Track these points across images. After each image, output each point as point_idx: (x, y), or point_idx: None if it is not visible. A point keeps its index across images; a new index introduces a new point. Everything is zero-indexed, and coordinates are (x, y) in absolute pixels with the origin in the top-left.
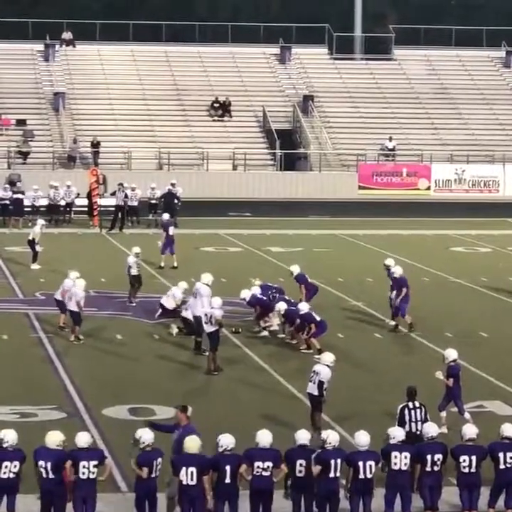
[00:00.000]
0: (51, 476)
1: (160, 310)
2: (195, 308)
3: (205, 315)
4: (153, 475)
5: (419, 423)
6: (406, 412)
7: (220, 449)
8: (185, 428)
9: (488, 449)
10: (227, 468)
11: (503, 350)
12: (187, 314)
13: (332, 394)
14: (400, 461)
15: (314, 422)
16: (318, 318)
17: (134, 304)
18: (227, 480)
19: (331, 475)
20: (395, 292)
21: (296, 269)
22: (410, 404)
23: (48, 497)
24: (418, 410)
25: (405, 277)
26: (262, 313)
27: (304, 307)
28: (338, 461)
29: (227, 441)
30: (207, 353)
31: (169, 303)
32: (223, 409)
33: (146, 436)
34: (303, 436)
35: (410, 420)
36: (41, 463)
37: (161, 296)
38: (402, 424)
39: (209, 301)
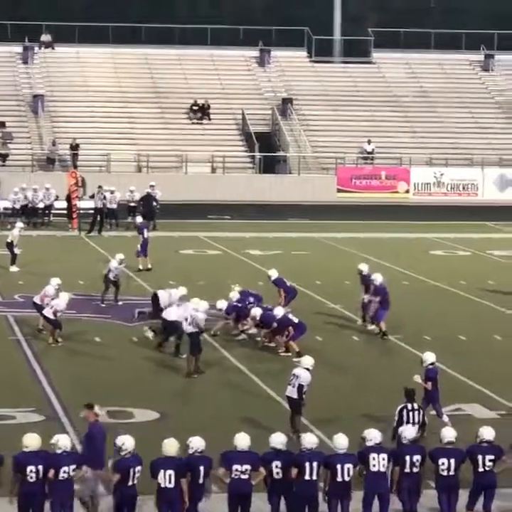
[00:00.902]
0: (39, 479)
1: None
2: (174, 314)
3: (190, 316)
4: (131, 482)
5: (417, 425)
6: (404, 413)
7: (191, 451)
8: (92, 425)
9: (466, 452)
10: (201, 468)
11: (482, 353)
12: (167, 316)
13: (311, 397)
14: (379, 462)
15: (293, 425)
16: (296, 320)
17: (121, 303)
18: (200, 480)
19: (307, 477)
20: (367, 296)
21: (274, 274)
22: (409, 406)
23: (30, 500)
24: (416, 412)
25: (385, 286)
26: (237, 318)
27: (279, 312)
28: (315, 463)
29: (198, 443)
30: (184, 356)
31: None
32: (201, 412)
33: (128, 443)
34: (276, 440)
35: (408, 422)
36: (31, 468)
37: (139, 298)
38: (400, 425)
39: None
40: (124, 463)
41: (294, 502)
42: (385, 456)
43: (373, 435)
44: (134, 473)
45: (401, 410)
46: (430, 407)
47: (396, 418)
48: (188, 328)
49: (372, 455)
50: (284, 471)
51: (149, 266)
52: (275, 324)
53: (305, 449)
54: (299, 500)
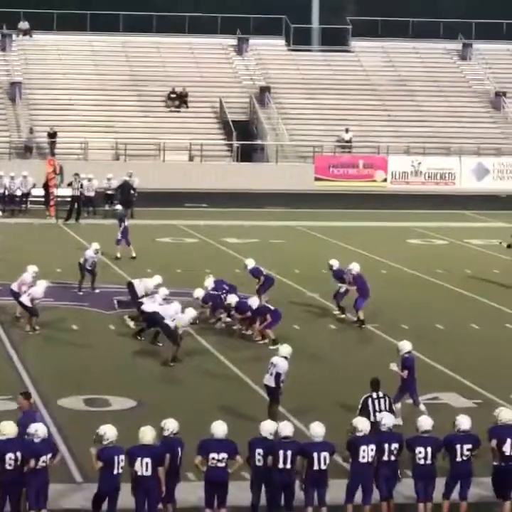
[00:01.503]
0: (17, 467)
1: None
2: (154, 308)
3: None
4: (116, 471)
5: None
6: (369, 402)
7: (166, 433)
8: (25, 413)
9: (443, 440)
10: (178, 449)
11: (459, 342)
12: (146, 308)
13: (288, 386)
14: (368, 454)
15: (271, 413)
16: (272, 308)
17: (98, 291)
18: (178, 462)
19: (281, 466)
20: (345, 285)
21: (250, 263)
22: (374, 395)
23: (7, 488)
24: (382, 400)
25: (362, 275)
26: (214, 307)
27: (254, 303)
28: (289, 452)
29: (173, 425)
30: (161, 344)
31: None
32: (178, 400)
33: (110, 432)
34: (265, 429)
35: (374, 410)
36: (10, 455)
37: (116, 287)
38: (364, 414)
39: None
40: (109, 452)
41: (270, 490)
42: (373, 447)
43: (364, 426)
44: (119, 463)
45: (366, 399)
46: (407, 396)
47: (359, 407)
48: (171, 323)
49: (363, 447)
50: (264, 460)
51: (133, 254)
52: (249, 313)
53: (280, 438)
54: (275, 489)
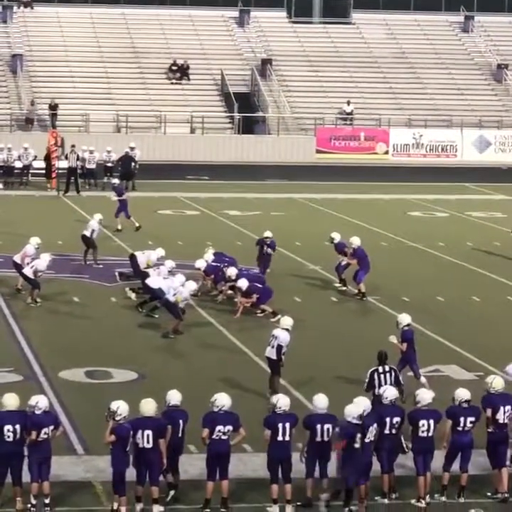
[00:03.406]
0: (16, 439)
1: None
2: (158, 283)
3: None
4: (128, 448)
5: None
6: (375, 376)
7: (168, 404)
8: None
9: (446, 413)
10: (181, 422)
11: (460, 314)
12: (151, 283)
13: (290, 358)
14: (371, 433)
15: (272, 385)
16: (260, 286)
17: (101, 266)
18: (180, 434)
19: (279, 438)
20: (346, 258)
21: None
22: (380, 369)
23: (7, 460)
24: (388, 374)
25: (363, 248)
26: (216, 280)
27: (243, 284)
28: (287, 425)
29: (176, 396)
30: (157, 316)
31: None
32: (180, 372)
33: (123, 407)
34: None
35: (380, 384)
36: (8, 427)
37: (118, 259)
38: (371, 388)
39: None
40: (124, 429)
41: (268, 463)
42: (375, 424)
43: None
44: (130, 439)
45: (372, 373)
46: (407, 368)
47: (367, 381)
48: (171, 298)
49: (370, 428)
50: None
51: (137, 224)
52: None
53: (280, 411)
54: (272, 461)
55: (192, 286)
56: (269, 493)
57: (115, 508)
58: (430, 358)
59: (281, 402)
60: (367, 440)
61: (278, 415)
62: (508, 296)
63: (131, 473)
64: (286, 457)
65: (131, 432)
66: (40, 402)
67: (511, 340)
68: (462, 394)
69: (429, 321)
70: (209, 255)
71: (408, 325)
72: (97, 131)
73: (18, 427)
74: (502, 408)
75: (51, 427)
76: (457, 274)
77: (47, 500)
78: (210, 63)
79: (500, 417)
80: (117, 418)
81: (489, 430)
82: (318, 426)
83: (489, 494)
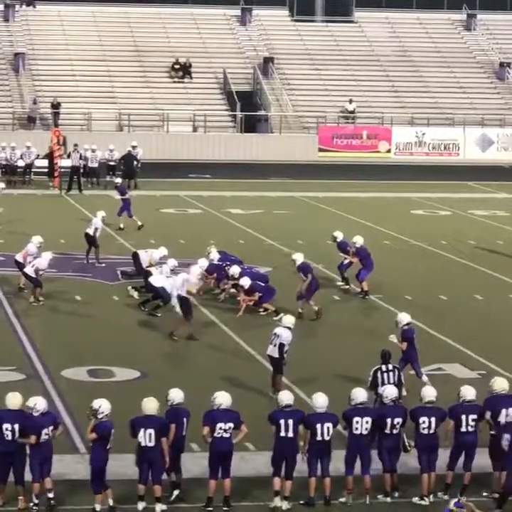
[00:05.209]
0: (16, 438)
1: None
2: (162, 282)
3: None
4: (109, 446)
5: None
6: (378, 374)
7: (171, 403)
8: None
9: (449, 411)
10: (184, 420)
11: (462, 312)
12: (154, 281)
13: (292, 356)
14: (361, 425)
15: (275, 384)
16: (262, 285)
17: (104, 265)
18: (184, 432)
19: (282, 434)
20: (348, 257)
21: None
22: (383, 367)
23: (9, 460)
24: (391, 373)
25: (365, 247)
26: (218, 278)
27: (246, 282)
28: (290, 421)
29: (178, 395)
30: (159, 315)
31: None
32: (182, 371)
33: (105, 405)
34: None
35: (383, 383)
36: (7, 426)
37: (121, 257)
38: (374, 386)
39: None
40: (105, 426)
41: (272, 458)
42: (368, 419)
43: (358, 395)
44: (111, 437)
45: (375, 372)
46: (409, 367)
47: (370, 379)
48: (175, 293)
49: (356, 418)
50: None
51: (139, 223)
52: (258, 294)
53: (280, 407)
54: (276, 457)
55: (183, 276)
56: (270, 487)
57: (98, 509)
58: (433, 356)
59: (282, 397)
60: (356, 432)
61: (281, 411)
62: (510, 294)
63: (134, 472)
64: (290, 454)
65: (113, 431)
66: (38, 403)
67: None
68: (466, 393)
69: (431, 320)
70: (214, 254)
71: (408, 324)
72: (100, 129)
73: (16, 426)
74: (504, 410)
75: (51, 428)
76: (460, 273)
77: (50, 495)
78: (212, 62)
79: (502, 419)
80: (99, 416)
81: (491, 432)
82: (318, 425)
83: (486, 494)
